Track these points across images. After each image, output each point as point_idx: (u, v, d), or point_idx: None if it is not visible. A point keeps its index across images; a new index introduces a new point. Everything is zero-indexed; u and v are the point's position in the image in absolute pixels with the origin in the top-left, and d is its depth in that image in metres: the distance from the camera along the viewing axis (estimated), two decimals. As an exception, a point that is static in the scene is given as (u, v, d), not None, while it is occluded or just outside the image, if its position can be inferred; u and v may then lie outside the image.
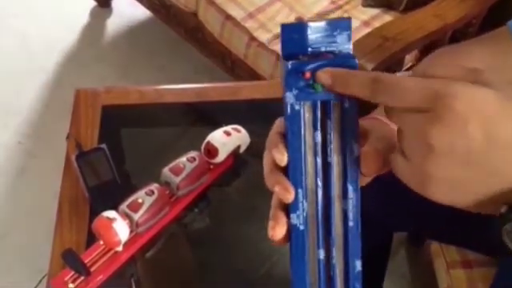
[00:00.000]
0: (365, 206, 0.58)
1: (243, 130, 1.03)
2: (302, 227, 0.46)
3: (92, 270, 0.86)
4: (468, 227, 0.96)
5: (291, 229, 0.46)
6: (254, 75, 1.62)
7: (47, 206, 1.19)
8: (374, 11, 1.61)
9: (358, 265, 0.47)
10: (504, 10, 1.57)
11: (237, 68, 1.70)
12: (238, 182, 1.05)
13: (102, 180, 0.98)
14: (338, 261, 0.47)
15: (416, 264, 1.48)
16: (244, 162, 1.05)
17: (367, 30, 1.43)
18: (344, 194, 0.46)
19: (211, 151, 0.98)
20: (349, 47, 0.45)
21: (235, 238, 0.98)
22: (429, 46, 1.44)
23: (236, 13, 1.60)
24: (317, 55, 0.45)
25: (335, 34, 0.45)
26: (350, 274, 0.47)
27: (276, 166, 0.47)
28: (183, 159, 0.96)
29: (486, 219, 0.95)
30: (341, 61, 0.43)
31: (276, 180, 0.46)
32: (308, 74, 0.43)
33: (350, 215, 0.46)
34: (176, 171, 0.94)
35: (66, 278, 0.85)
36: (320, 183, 0.46)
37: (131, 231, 0.89)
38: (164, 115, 1.15)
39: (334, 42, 0.45)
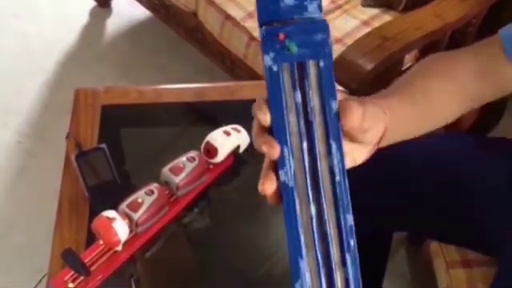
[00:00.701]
0: (361, 207, 0.59)
1: (243, 130, 1.03)
2: (290, 184, 0.48)
3: (92, 269, 0.86)
4: (467, 226, 0.96)
5: (281, 186, 0.48)
6: (253, 75, 1.61)
7: (47, 206, 1.19)
8: (374, 11, 1.61)
9: (350, 219, 0.48)
10: (504, 10, 1.57)
11: (236, 68, 1.70)
12: (238, 182, 1.05)
13: (101, 180, 0.98)
14: (329, 216, 0.48)
15: (416, 264, 1.48)
16: (243, 161, 1.05)
17: (367, 30, 1.43)
18: (328, 151, 0.47)
19: (211, 151, 0.98)
20: (319, 15, 0.48)
21: (235, 237, 0.98)
22: (428, 45, 1.44)
23: (235, 12, 1.60)
24: (290, 21, 0.47)
25: (306, 3, 0.48)
26: (343, 229, 0.48)
27: (262, 128, 0.49)
28: (183, 159, 0.96)
29: (486, 219, 0.95)
30: (312, 25, 0.47)
31: (262, 140, 0.48)
32: (282, 36, 0.46)
33: (336, 170, 0.47)
34: (176, 171, 0.94)
35: (65, 278, 0.85)
36: (304, 141, 0.47)
37: (131, 231, 0.89)
38: (164, 115, 1.15)
39: (306, 11, 0.48)
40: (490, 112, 1.59)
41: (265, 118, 0.47)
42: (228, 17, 1.62)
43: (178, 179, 0.94)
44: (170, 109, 1.15)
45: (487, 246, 0.97)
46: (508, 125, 1.76)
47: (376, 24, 1.52)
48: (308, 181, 0.48)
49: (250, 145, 1.04)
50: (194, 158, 0.97)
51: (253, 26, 1.57)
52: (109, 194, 0.96)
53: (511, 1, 1.55)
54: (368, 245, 0.72)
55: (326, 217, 0.48)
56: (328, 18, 1.59)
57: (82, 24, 2.27)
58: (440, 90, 0.74)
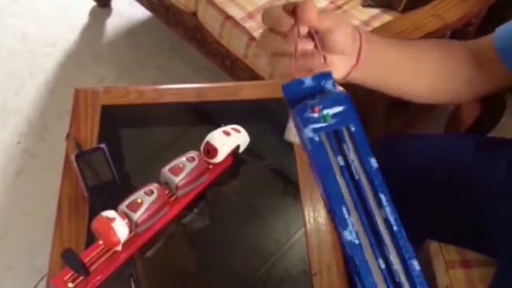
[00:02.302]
0: None
1: (242, 130, 1.03)
2: (357, 241, 0.49)
3: (91, 269, 0.86)
4: (467, 227, 0.96)
5: (348, 246, 0.50)
6: (253, 75, 1.62)
7: (46, 206, 1.19)
8: (374, 11, 1.61)
9: (416, 264, 0.50)
10: (503, 10, 1.57)
11: (236, 68, 1.70)
12: (238, 182, 1.05)
13: (101, 180, 0.98)
14: (397, 266, 0.50)
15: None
16: (243, 161, 1.05)
17: (367, 30, 1.43)
18: (379, 204, 0.51)
19: (210, 151, 0.98)
20: (336, 89, 0.56)
21: (234, 238, 0.98)
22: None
23: (235, 13, 1.60)
24: (314, 98, 0.53)
25: (322, 83, 0.55)
26: (413, 275, 0.49)
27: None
28: (182, 159, 0.96)
29: (486, 219, 0.95)
30: (336, 98, 0.53)
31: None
32: (317, 109, 0.52)
33: (392, 220, 0.50)
34: (175, 171, 0.94)
35: (65, 278, 0.85)
36: (357, 199, 0.51)
37: (130, 231, 0.89)
38: (163, 115, 1.15)
39: (324, 89, 0.55)
40: (490, 112, 1.59)
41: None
42: (228, 17, 1.62)
43: (178, 179, 0.94)
44: (169, 109, 1.15)
45: (486, 246, 0.97)
46: (508, 125, 1.76)
47: (376, 24, 1.53)
48: (370, 236, 0.50)
49: (250, 145, 1.04)
50: (193, 158, 0.96)
51: (253, 26, 1.57)
52: (108, 194, 0.96)
53: (511, 0, 1.55)
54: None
55: (394, 267, 0.50)
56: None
57: (81, 24, 2.27)
58: (437, 56, 0.78)
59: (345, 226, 0.49)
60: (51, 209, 1.00)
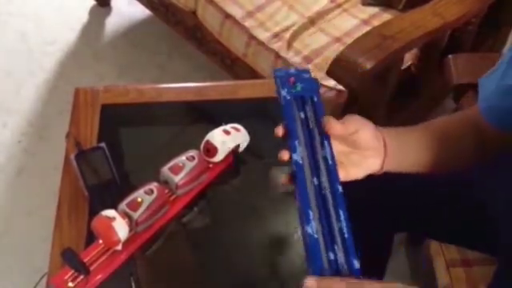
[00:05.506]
0: (361, 207, 0.62)
1: (242, 129, 1.03)
2: (300, 162, 0.66)
3: (91, 268, 0.86)
4: (467, 226, 0.96)
5: (294, 164, 0.66)
6: (253, 74, 1.61)
7: (46, 205, 1.19)
8: (374, 10, 1.61)
9: (340, 188, 0.65)
10: (503, 8, 1.57)
11: (236, 67, 1.70)
12: (238, 181, 1.05)
13: (101, 179, 0.98)
14: (326, 185, 0.65)
15: (416, 263, 1.48)
16: (243, 160, 1.05)
17: (366, 29, 1.43)
18: (322, 145, 0.68)
19: (210, 150, 0.98)
20: (311, 76, 0.76)
21: (234, 237, 0.98)
22: (429, 44, 1.44)
23: (235, 11, 1.60)
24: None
25: (304, 75, 0.76)
26: (337, 195, 0.64)
27: None
28: (182, 158, 0.96)
29: (485, 218, 0.95)
30: (309, 80, 0.75)
31: None
32: (292, 80, 0.74)
33: (329, 158, 0.67)
34: (175, 170, 0.94)
35: (65, 277, 0.85)
36: (308, 141, 0.68)
37: (130, 230, 0.89)
38: (163, 114, 1.15)
39: (303, 78, 0.76)
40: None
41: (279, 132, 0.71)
42: (227, 16, 1.61)
43: (178, 178, 0.94)
44: (169, 108, 1.15)
45: (486, 245, 0.97)
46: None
47: (376, 23, 1.52)
48: (311, 162, 0.67)
49: (250, 144, 1.04)
50: (193, 157, 0.96)
51: (252, 24, 1.57)
52: (108, 194, 0.96)
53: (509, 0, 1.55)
54: (369, 246, 0.72)
55: (324, 185, 0.65)
56: (328, 17, 1.59)
57: (81, 23, 2.27)
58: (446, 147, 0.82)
59: (294, 150, 0.67)
60: (51, 208, 1.00)
